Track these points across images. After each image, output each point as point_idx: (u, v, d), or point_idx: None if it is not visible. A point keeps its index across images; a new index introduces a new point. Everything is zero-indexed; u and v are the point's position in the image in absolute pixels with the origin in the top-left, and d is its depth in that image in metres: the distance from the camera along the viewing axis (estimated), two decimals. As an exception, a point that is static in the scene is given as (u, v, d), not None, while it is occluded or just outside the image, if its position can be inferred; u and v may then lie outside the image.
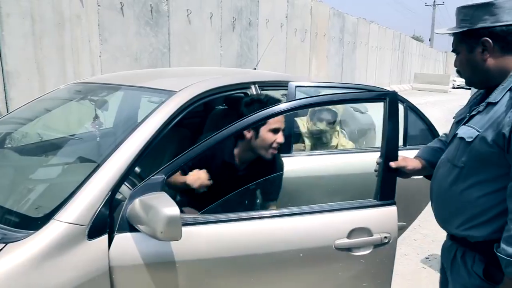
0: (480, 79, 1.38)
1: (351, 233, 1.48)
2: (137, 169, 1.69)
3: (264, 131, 1.86)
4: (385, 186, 1.52)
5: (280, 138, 1.87)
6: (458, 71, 1.45)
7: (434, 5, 45.89)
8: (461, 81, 25.06)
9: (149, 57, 6.11)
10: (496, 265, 1.26)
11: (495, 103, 1.29)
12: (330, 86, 2.78)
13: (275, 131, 1.86)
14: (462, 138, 1.34)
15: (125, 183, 1.41)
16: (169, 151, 2.40)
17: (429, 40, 45.27)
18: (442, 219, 1.47)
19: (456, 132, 1.39)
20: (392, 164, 1.53)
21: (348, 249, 1.48)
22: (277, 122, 1.86)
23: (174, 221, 1.18)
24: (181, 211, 1.22)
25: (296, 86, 2.23)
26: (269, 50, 9.05)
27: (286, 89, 2.47)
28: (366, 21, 16.54)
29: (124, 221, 1.29)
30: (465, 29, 1.34)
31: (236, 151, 1.98)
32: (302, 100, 1.71)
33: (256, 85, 2.23)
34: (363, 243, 1.49)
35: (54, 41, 5.14)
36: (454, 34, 1.40)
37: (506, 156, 1.24)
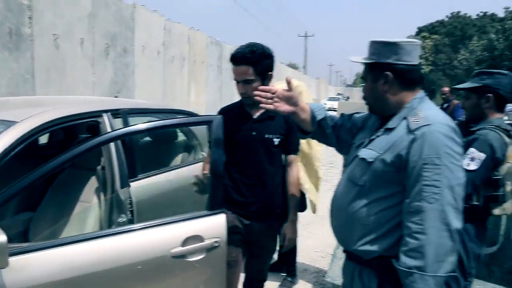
0: (380, 107, 1.52)
1: (185, 242, 1.67)
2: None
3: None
4: (214, 198, 1.77)
5: (240, 89, 2.08)
6: (364, 97, 1.58)
7: (305, 36, 50.70)
8: (331, 104, 27.81)
9: (8, 83, 5.69)
10: (389, 280, 1.39)
11: (392, 129, 1.44)
12: (158, 111, 2.99)
13: (236, 82, 2.09)
14: (363, 159, 1.46)
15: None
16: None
17: (303, 67, 49.57)
18: (342, 237, 1.57)
19: (357, 154, 1.52)
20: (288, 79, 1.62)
21: (183, 256, 1.67)
22: (235, 74, 2.07)
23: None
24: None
25: (128, 113, 2.39)
26: (146, 77, 9.06)
27: (145, 116, 2.64)
28: (243, 50, 17.46)
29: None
30: (372, 61, 1.48)
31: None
32: (130, 128, 1.87)
33: (109, 114, 2.35)
34: (197, 249, 1.70)
35: None
36: (364, 64, 1.53)
37: (401, 175, 1.37)
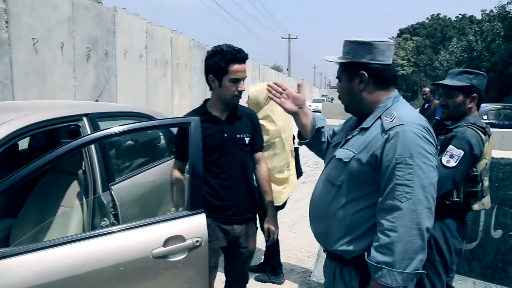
0: (356, 107, 1.53)
1: (167, 242, 1.68)
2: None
3: (225, 81, 2.04)
4: (194, 198, 1.80)
5: (241, 86, 2.06)
6: (339, 97, 1.59)
7: (289, 39, 50.95)
8: (315, 106, 27.95)
9: (-13, 89, 5.60)
10: (370, 277, 1.38)
11: (367, 128, 1.45)
12: (128, 114, 2.96)
13: (235, 81, 2.04)
14: (340, 159, 1.47)
15: None
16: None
17: (287, 70, 49.78)
18: (321, 237, 1.58)
19: (334, 154, 1.53)
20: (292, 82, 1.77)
21: (165, 256, 1.67)
22: (236, 72, 2.02)
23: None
24: None
25: (97, 117, 2.37)
26: (129, 81, 8.98)
27: (127, 119, 2.62)
28: (227, 53, 17.45)
29: None
30: (348, 60, 1.49)
31: (209, 103, 2.18)
32: (106, 130, 1.80)
33: (89, 117, 2.34)
34: (178, 249, 1.70)
35: None
36: (339, 63, 1.54)
37: (377, 175, 1.38)
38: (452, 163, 1.98)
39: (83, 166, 2.34)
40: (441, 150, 2.05)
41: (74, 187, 2.38)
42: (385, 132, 1.38)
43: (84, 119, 2.28)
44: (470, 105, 2.16)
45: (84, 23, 7.55)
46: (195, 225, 1.77)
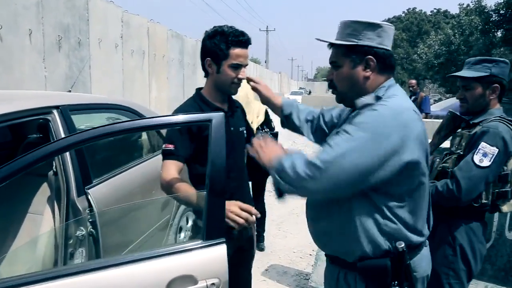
0: (353, 96, 1.36)
1: (171, 285, 1.24)
2: None
3: (225, 66, 1.78)
4: (212, 222, 1.32)
5: (242, 74, 1.82)
6: (333, 86, 1.42)
7: (267, 31, 50.66)
8: (294, 98, 27.88)
9: None
10: (375, 281, 1.31)
11: None
12: (105, 107, 2.63)
13: (236, 67, 1.79)
14: None
15: None
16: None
17: (265, 62, 49.58)
18: (321, 239, 1.47)
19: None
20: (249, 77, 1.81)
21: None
22: (238, 57, 1.78)
23: None
24: None
25: (70, 110, 2.06)
26: (104, 72, 8.53)
27: (104, 112, 2.28)
28: (205, 44, 17.05)
29: None
30: (352, 43, 1.32)
31: (205, 92, 1.88)
32: (109, 127, 1.38)
33: (60, 110, 2.00)
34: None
35: None
36: (337, 46, 1.36)
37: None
38: (486, 163, 1.74)
39: (54, 167, 2.00)
40: (470, 147, 1.82)
41: (44, 191, 2.06)
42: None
43: (55, 111, 1.96)
44: (491, 97, 1.92)
45: (54, 9, 7.05)
46: (211, 261, 1.30)
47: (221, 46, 1.74)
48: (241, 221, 1.46)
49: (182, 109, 1.82)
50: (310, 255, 3.91)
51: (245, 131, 1.98)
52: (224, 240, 1.34)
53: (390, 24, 1.34)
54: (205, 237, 1.32)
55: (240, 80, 1.82)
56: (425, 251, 1.42)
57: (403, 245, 1.28)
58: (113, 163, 2.61)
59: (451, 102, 11.90)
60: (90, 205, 1.97)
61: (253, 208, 1.50)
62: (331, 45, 1.39)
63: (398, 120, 1.21)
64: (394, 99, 1.28)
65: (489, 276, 2.58)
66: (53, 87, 7.01)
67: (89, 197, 1.97)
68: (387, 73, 1.36)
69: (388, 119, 1.21)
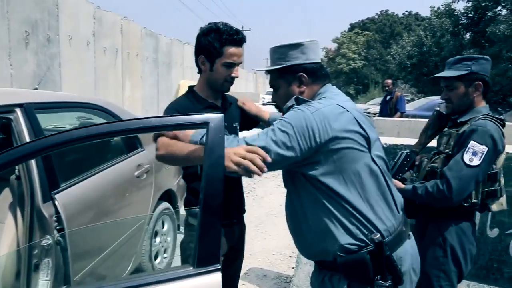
0: None
1: None
2: None
3: (218, 65, 1.76)
4: (205, 246, 1.13)
5: (235, 72, 1.79)
6: (276, 106, 1.56)
7: (242, 30, 50.64)
8: (269, 98, 28.01)
9: None
10: (356, 279, 1.33)
11: None
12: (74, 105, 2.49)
13: (229, 65, 1.75)
14: None
15: None
16: None
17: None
18: (302, 249, 1.50)
19: None
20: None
21: None
22: (232, 56, 1.75)
23: None
24: None
25: (35, 109, 1.93)
26: (75, 70, 8.23)
27: (73, 111, 2.13)
28: (180, 42, 16.87)
29: None
30: (282, 66, 1.46)
31: (198, 89, 1.84)
32: (93, 127, 1.21)
33: (24, 108, 1.85)
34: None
35: None
36: (272, 72, 1.51)
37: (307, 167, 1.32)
38: (476, 161, 1.71)
39: (16, 170, 1.84)
40: (459, 146, 1.78)
41: (6, 197, 1.90)
42: None
43: (18, 110, 1.81)
44: (474, 94, 1.90)
45: (20, 4, 6.74)
46: None
47: (215, 44, 1.72)
48: (245, 162, 1.23)
49: (173, 106, 1.77)
50: (290, 256, 3.84)
51: (238, 127, 1.94)
52: (219, 267, 1.16)
53: (313, 39, 1.48)
54: (196, 263, 1.13)
55: (233, 78, 1.81)
56: (408, 244, 1.41)
57: (378, 235, 1.28)
58: (83, 165, 2.45)
59: (423, 102, 12.15)
60: (57, 212, 1.83)
61: (260, 149, 1.29)
62: (267, 72, 1.54)
63: (317, 114, 1.30)
64: (321, 99, 1.40)
65: (471, 275, 2.58)
66: (19, 86, 6.71)
67: (56, 202, 1.83)
68: (321, 81, 1.49)
69: (307, 114, 1.31)
